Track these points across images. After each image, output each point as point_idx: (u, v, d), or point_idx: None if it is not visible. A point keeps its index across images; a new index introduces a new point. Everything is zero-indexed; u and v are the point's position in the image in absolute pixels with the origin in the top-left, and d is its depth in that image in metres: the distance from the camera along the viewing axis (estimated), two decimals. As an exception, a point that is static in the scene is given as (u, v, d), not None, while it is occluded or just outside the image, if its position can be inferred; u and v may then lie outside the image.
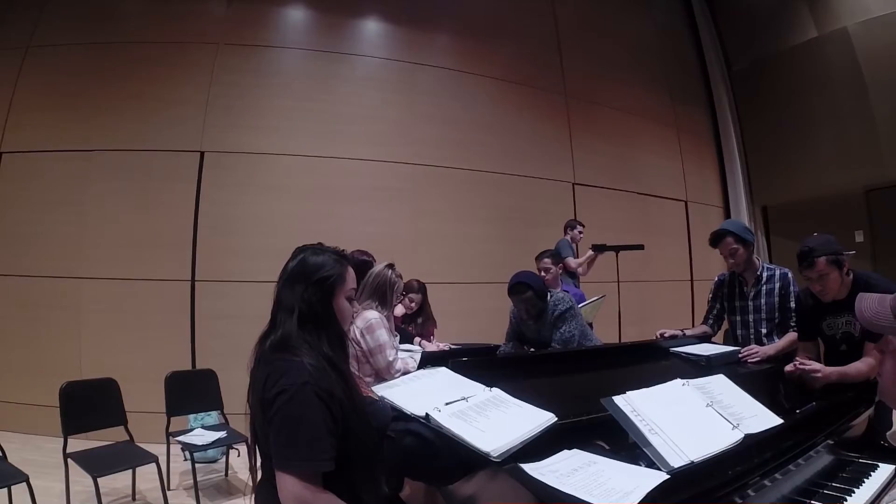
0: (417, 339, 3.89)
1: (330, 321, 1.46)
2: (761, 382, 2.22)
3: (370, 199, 5.41)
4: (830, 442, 1.81)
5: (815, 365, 2.30)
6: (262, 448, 1.38)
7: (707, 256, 8.50)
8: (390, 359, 2.39)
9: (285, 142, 5.22)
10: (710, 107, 9.34)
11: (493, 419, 1.57)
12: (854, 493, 1.62)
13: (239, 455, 3.92)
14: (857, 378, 2.27)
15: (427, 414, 1.56)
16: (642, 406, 1.60)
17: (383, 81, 5.72)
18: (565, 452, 1.44)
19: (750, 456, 1.52)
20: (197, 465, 3.44)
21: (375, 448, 1.43)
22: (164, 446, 3.61)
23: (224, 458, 4.05)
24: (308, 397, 1.28)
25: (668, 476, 1.30)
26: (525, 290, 3.42)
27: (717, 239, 3.11)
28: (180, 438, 3.54)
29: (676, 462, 1.39)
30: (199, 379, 3.90)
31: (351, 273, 1.52)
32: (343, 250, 1.55)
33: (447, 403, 1.63)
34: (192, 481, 3.38)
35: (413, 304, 4.11)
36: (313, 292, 1.43)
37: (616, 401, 1.61)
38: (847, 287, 2.48)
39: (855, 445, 1.95)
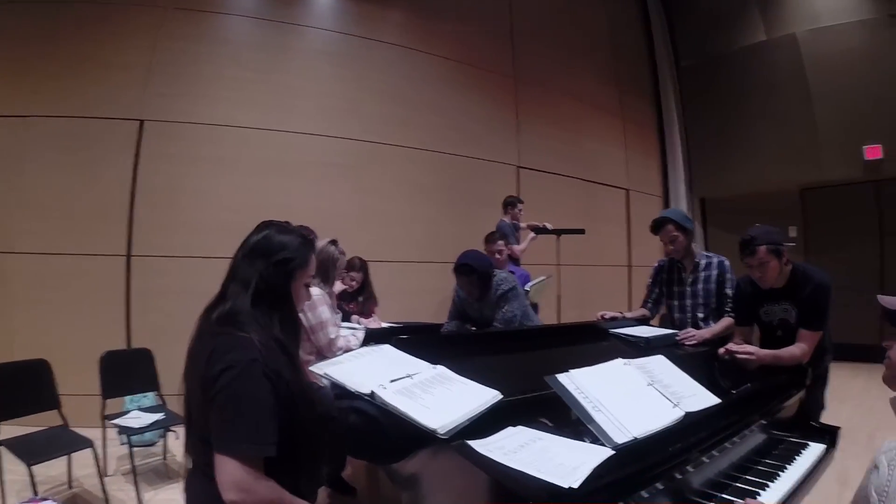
0: (355, 317, 3.85)
1: (285, 304, 1.39)
2: (699, 364, 2.28)
3: (315, 175, 5.27)
4: (764, 422, 1.88)
5: (749, 347, 2.41)
6: (198, 430, 1.29)
7: (645, 243, 8.79)
8: (332, 336, 2.35)
9: (231, 113, 4.99)
10: (657, 99, 9.62)
11: (438, 396, 1.55)
12: (786, 469, 1.70)
13: (177, 437, 3.80)
14: (789, 361, 2.38)
15: (372, 391, 1.53)
16: (586, 384, 1.62)
17: (334, 55, 5.56)
18: (510, 429, 1.44)
19: (690, 433, 1.56)
20: (134, 449, 3.30)
21: (320, 437, 1.37)
22: (100, 430, 3.44)
23: (162, 441, 3.92)
24: (256, 375, 1.21)
25: (613, 452, 1.31)
26: (470, 271, 3.43)
27: (658, 226, 3.20)
28: (116, 422, 3.39)
29: (620, 438, 1.41)
30: (134, 359, 3.72)
31: (314, 260, 1.46)
32: (310, 233, 1.49)
33: (392, 381, 1.60)
34: (129, 466, 3.24)
35: (354, 283, 4.06)
36: (273, 271, 1.36)
37: (560, 378, 1.62)
38: (785, 277, 2.58)
39: (787, 425, 2.04)
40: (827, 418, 2.38)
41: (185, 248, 4.60)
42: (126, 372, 3.62)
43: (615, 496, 1.21)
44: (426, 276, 5.65)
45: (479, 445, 1.31)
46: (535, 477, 1.15)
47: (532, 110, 7.06)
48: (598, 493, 1.15)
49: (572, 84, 7.79)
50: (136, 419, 3.43)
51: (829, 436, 1.99)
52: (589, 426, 1.46)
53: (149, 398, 3.91)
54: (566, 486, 1.12)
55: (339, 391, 1.65)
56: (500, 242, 4.54)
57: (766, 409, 1.91)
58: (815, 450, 1.87)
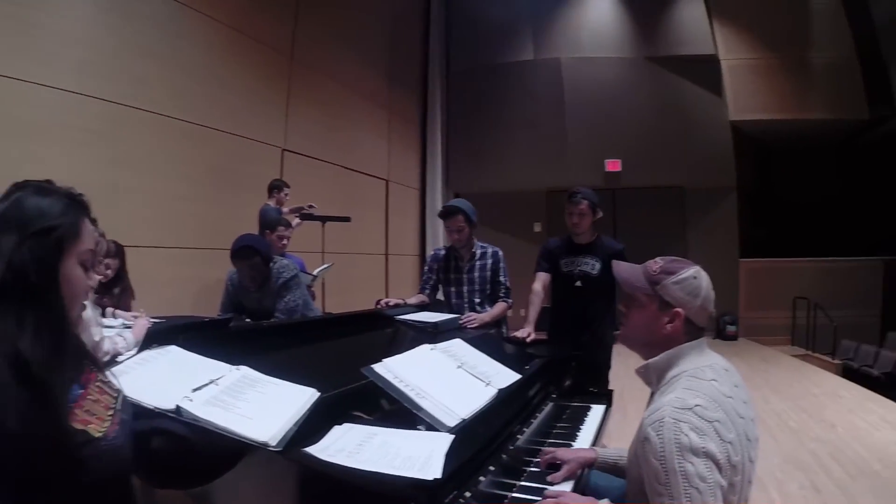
0: (110, 310, 3.25)
1: (47, 297, 0.94)
2: (488, 345, 2.43)
3: (65, 140, 4.22)
4: (555, 393, 2.08)
5: (526, 331, 2.84)
6: None
7: (401, 233, 9.30)
8: (96, 339, 1.92)
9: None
10: (424, 97, 10.17)
11: (253, 402, 1.36)
12: (581, 429, 1.93)
13: None
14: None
15: (177, 406, 1.27)
16: (402, 372, 1.60)
17: (98, -3, 4.48)
18: (338, 429, 1.33)
19: (506, 409, 1.65)
20: None
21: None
22: None
23: None
24: None
25: (453, 436, 1.30)
26: (252, 254, 3.22)
27: (449, 213, 3.36)
28: None
29: (451, 422, 1.42)
30: None
31: (88, 227, 1.05)
32: (80, 194, 1.07)
33: (195, 390, 1.36)
34: None
35: (109, 271, 3.42)
36: (29, 248, 0.93)
37: (377, 369, 1.58)
38: (592, 236, 3.33)
39: (567, 393, 2.28)
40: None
41: None
42: None
43: (460, 485, 1.20)
44: (182, 263, 5.06)
45: (317, 451, 1.18)
46: (395, 475, 1.08)
47: (302, 93, 6.79)
48: (452, 480, 1.13)
49: (346, 71, 7.73)
50: None
51: (605, 398, 2.29)
52: (418, 413, 1.44)
53: None
54: (430, 478, 1.08)
55: (132, 410, 1.33)
56: (291, 229, 4.31)
57: (557, 379, 2.12)
58: (598, 410, 2.15)
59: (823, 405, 5.32)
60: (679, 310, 1.37)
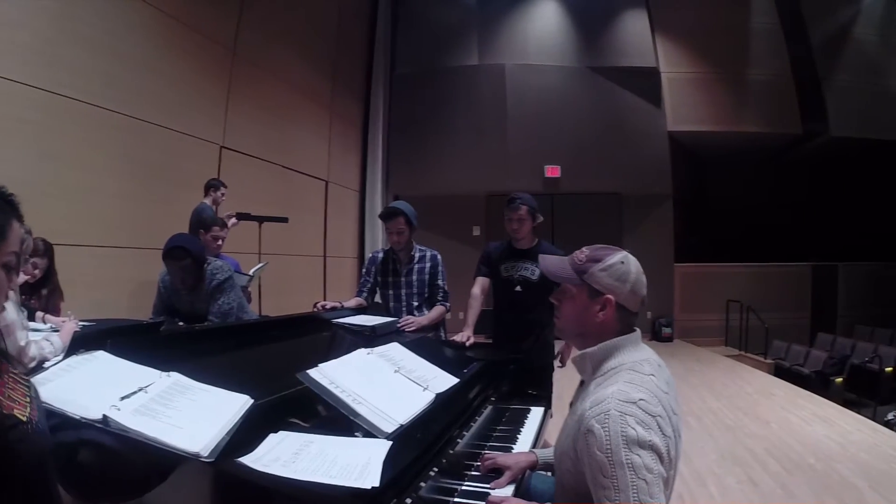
0: (40, 313, 3.10)
1: None
2: (426, 348, 2.43)
3: None
4: (494, 397, 2.10)
5: (465, 335, 2.83)
6: None
7: (340, 235, 9.24)
8: (22, 343, 1.81)
9: None
10: (367, 98, 10.09)
11: (184, 410, 1.31)
12: (521, 431, 1.96)
13: None
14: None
15: (104, 415, 1.22)
16: (338, 377, 1.58)
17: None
18: (273, 437, 1.30)
19: (444, 413, 1.66)
20: None
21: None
22: None
23: None
24: None
25: (391, 442, 1.30)
26: (184, 255, 3.10)
27: (390, 215, 3.34)
28: None
29: (388, 427, 1.41)
30: None
31: (16, 229, 0.99)
32: (11, 194, 1.01)
33: (123, 398, 1.31)
34: None
35: (37, 271, 3.23)
36: None
37: (312, 374, 1.55)
38: (532, 242, 3.36)
39: (506, 396, 2.31)
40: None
41: None
42: None
43: (399, 492, 1.20)
44: (114, 263, 4.82)
45: (252, 461, 1.15)
46: (332, 485, 1.06)
47: (243, 89, 6.61)
48: (390, 488, 1.13)
49: (289, 69, 7.61)
50: None
51: (545, 399, 2.33)
52: (355, 420, 1.43)
53: None
54: (368, 486, 1.07)
55: (57, 421, 1.26)
56: (226, 229, 4.18)
57: (496, 382, 2.14)
58: (537, 412, 2.18)
59: (757, 403, 5.60)
60: (609, 296, 1.36)
